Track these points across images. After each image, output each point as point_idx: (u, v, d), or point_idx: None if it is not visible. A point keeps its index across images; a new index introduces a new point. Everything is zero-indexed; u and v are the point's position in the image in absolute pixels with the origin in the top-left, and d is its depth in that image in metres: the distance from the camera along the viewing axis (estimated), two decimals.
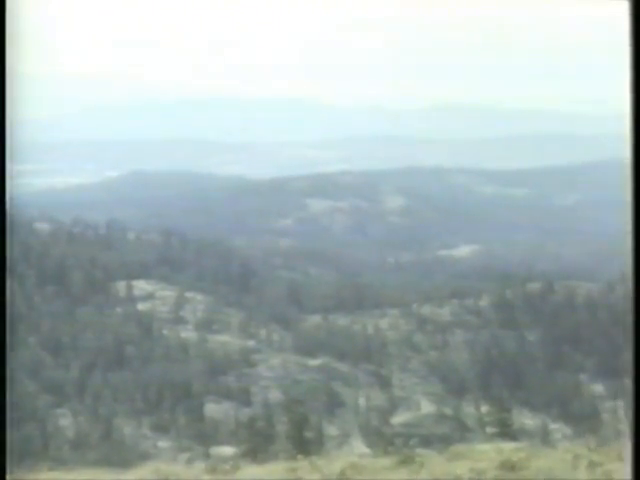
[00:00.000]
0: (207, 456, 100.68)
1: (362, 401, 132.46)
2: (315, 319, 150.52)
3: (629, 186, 11.79)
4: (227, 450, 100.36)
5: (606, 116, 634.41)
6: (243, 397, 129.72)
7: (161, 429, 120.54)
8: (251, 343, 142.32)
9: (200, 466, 27.76)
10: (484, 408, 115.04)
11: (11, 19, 12.74)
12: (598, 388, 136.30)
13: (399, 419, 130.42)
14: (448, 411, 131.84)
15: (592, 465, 18.66)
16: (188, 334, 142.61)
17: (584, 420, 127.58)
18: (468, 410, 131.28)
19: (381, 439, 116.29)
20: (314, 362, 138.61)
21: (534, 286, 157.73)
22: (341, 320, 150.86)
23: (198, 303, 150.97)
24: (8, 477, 14.32)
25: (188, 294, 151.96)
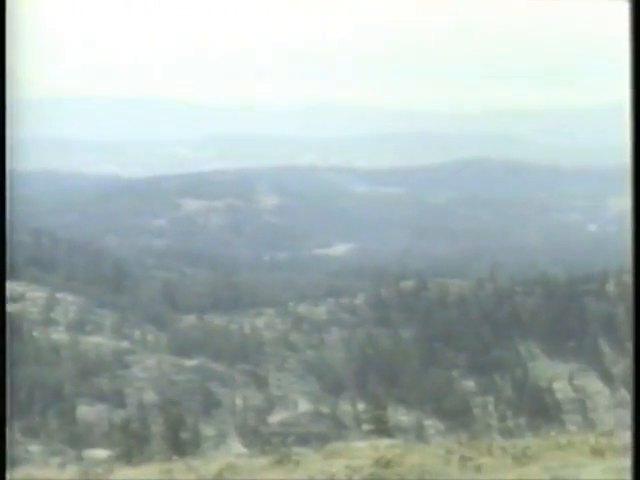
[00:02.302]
0: (80, 459, 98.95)
1: (239, 401, 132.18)
2: (190, 319, 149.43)
3: (629, 187, 12.05)
4: (100, 453, 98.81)
5: (479, 115, 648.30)
6: (117, 399, 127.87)
7: (32, 433, 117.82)
8: (125, 344, 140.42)
9: (72, 470, 27.21)
10: (360, 406, 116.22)
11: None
12: (469, 384, 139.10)
13: (276, 418, 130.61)
14: (325, 409, 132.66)
15: (463, 459, 18.99)
16: (59, 336, 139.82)
17: (456, 416, 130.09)
18: (345, 408, 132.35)
19: (258, 438, 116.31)
20: (190, 362, 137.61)
21: (408, 284, 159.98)
22: (217, 320, 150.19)
23: (69, 304, 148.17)
24: (8, 477, 14.03)
25: (59, 295, 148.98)
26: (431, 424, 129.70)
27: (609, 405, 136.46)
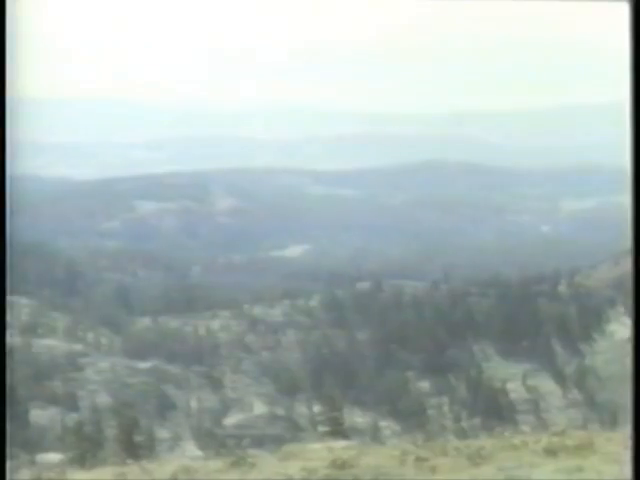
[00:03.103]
0: (33, 464, 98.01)
1: (194, 403, 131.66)
2: (144, 321, 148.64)
3: (629, 187, 12.15)
4: (54, 457, 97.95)
5: (434, 117, 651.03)
6: (70, 402, 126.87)
7: None
8: (78, 347, 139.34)
9: (25, 474, 26.95)
10: (316, 407, 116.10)
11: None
12: (424, 385, 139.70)
13: (231, 420, 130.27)
14: (280, 411, 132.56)
15: (419, 460, 19.07)
16: (12, 339, 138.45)
17: (411, 416, 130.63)
18: (300, 410, 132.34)
19: (213, 441, 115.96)
20: (144, 365, 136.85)
21: (363, 285, 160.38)
22: (171, 322, 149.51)
23: (22, 307, 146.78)
24: (8, 477, 13.95)
25: (11, 298, 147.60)
26: (387, 425, 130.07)
27: (561, 405, 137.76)
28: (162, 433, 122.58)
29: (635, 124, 12.08)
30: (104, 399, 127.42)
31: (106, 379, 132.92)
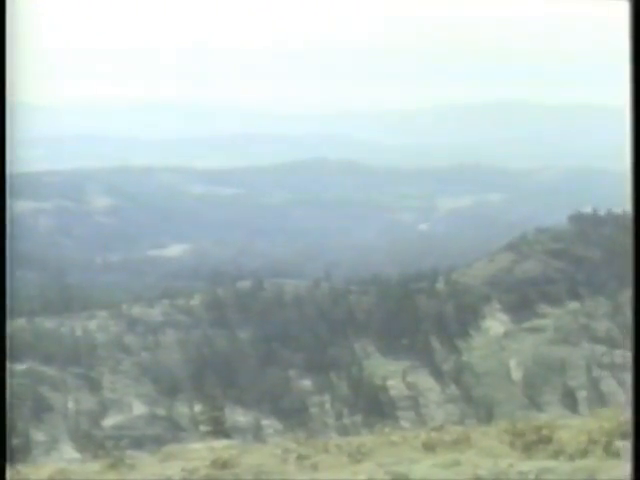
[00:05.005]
0: None
1: (71, 405, 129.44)
2: (20, 322, 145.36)
3: (629, 186, 12.16)
4: None
5: (316, 116, 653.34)
6: None
7: None
8: None
9: None
10: (197, 407, 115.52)
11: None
12: (306, 383, 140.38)
13: (110, 422, 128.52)
14: (161, 412, 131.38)
15: (300, 458, 19.13)
16: None
17: (294, 415, 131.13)
18: (181, 410, 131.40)
19: (91, 443, 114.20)
20: (19, 367, 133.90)
21: (244, 284, 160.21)
22: (47, 323, 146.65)
23: None
24: (8, 477, 13.23)
25: None
26: (269, 424, 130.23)
27: (440, 401, 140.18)
28: (38, 436, 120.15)
29: (635, 126, 12.26)
30: None
31: None
